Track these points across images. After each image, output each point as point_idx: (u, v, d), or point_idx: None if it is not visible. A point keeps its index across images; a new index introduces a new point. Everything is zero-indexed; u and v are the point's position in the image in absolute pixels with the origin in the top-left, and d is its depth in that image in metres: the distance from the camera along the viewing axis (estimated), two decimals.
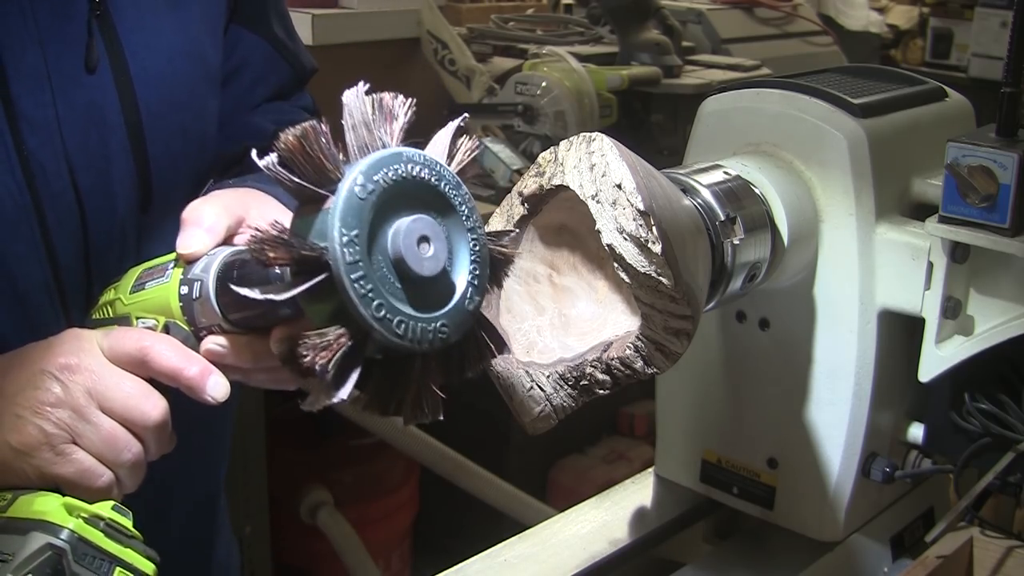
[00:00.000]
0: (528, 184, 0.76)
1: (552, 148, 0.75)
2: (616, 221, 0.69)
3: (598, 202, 0.70)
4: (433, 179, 0.61)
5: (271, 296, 0.59)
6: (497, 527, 1.95)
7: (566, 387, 0.74)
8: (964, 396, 0.93)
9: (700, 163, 0.90)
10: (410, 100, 0.63)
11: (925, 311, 0.90)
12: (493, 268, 0.65)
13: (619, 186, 0.69)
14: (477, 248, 0.63)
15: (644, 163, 0.73)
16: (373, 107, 0.61)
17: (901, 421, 1.00)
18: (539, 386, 0.75)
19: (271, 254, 0.57)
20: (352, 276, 0.57)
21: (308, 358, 0.57)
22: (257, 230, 0.58)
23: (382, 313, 0.58)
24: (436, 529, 2.42)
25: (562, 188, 0.74)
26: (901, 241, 0.91)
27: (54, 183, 0.82)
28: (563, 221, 0.79)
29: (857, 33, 3.58)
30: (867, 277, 0.92)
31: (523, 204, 0.77)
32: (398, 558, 2.38)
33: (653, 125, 2.38)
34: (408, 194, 0.60)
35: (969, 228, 0.86)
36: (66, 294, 0.85)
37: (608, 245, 0.70)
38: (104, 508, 0.73)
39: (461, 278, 0.63)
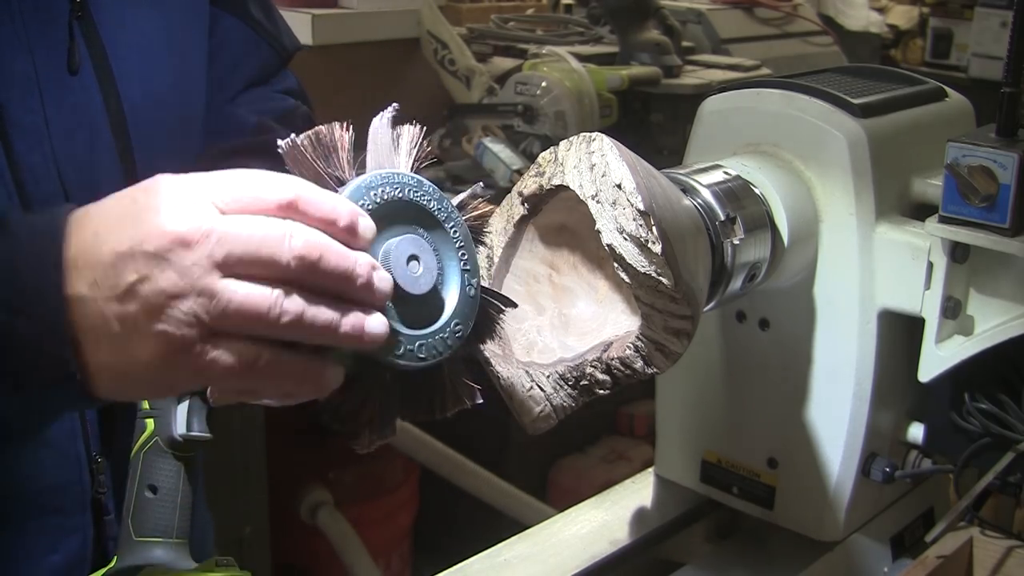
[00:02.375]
0: (528, 184, 0.76)
1: (552, 148, 0.75)
2: (616, 221, 0.69)
3: (598, 202, 0.70)
4: (397, 192, 0.61)
5: None
6: (497, 527, 1.95)
7: (566, 387, 0.74)
8: (964, 396, 0.93)
9: (700, 163, 0.89)
10: (346, 123, 0.61)
11: (925, 311, 0.90)
12: (474, 234, 0.66)
13: (619, 186, 0.69)
14: (457, 232, 0.64)
15: (644, 163, 0.73)
16: (313, 145, 0.60)
17: (901, 421, 1.00)
18: (539, 386, 0.75)
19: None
20: None
21: (351, 424, 0.60)
22: None
23: (400, 350, 0.59)
24: (436, 529, 2.42)
25: (562, 188, 0.74)
26: (901, 241, 0.91)
27: (43, 186, 0.81)
28: (563, 221, 0.79)
29: (857, 33, 3.58)
30: (867, 277, 0.92)
31: (523, 204, 0.77)
32: (398, 558, 2.38)
33: (653, 125, 2.38)
34: (380, 218, 0.60)
35: (969, 228, 0.86)
36: None
37: (608, 245, 0.70)
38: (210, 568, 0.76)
39: (454, 269, 0.63)
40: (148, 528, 0.76)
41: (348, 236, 0.58)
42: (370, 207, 0.60)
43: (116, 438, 0.88)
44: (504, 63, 2.47)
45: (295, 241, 0.57)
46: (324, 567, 2.22)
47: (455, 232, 0.64)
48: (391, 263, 0.59)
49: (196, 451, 0.78)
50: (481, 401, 0.66)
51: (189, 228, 0.56)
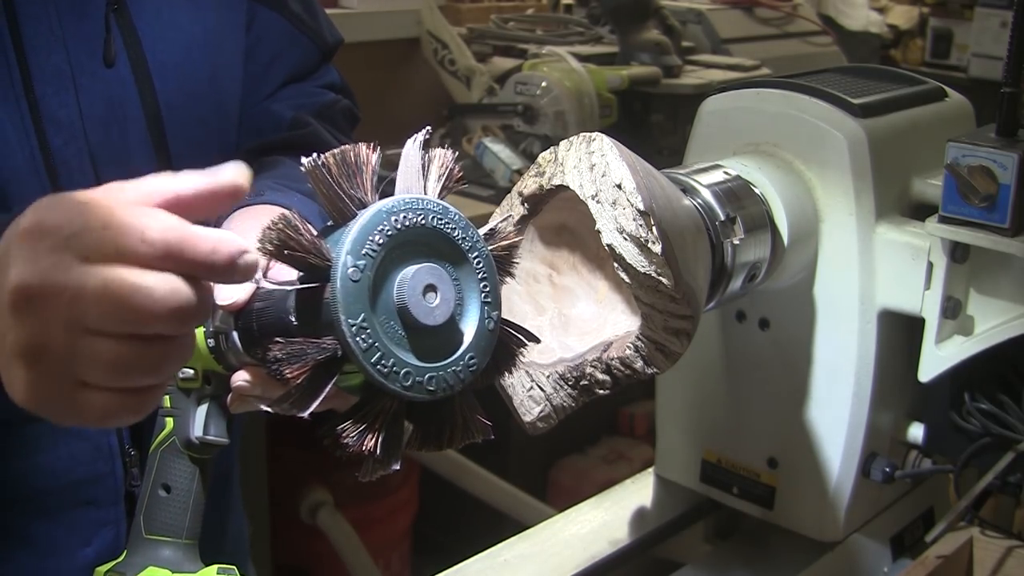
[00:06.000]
0: (528, 184, 0.76)
1: (552, 148, 0.75)
2: (616, 221, 0.69)
3: (598, 202, 0.70)
4: (420, 219, 0.59)
5: (303, 411, 0.59)
6: (497, 527, 1.95)
7: (566, 387, 0.74)
8: (964, 396, 0.93)
9: (700, 163, 0.89)
10: (373, 144, 0.61)
11: (925, 311, 0.90)
12: (500, 265, 0.64)
13: (619, 186, 0.69)
14: (481, 263, 0.62)
15: (644, 163, 0.73)
16: (337, 164, 0.59)
17: (901, 421, 1.00)
18: (539, 386, 0.75)
19: (289, 373, 0.57)
20: (371, 360, 0.57)
21: (355, 446, 0.58)
22: (269, 347, 0.58)
23: (409, 381, 0.58)
24: (436, 529, 2.42)
25: (562, 188, 0.74)
26: (901, 241, 0.91)
27: (78, 180, 0.82)
28: (563, 221, 0.79)
29: (857, 33, 3.58)
30: (867, 277, 0.92)
31: (523, 204, 0.77)
32: (398, 558, 2.38)
33: (653, 125, 2.38)
34: (400, 244, 0.59)
35: (969, 228, 0.86)
36: None
37: (608, 245, 0.70)
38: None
39: (474, 301, 0.62)
40: (158, 527, 0.76)
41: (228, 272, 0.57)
42: (390, 232, 0.58)
43: (147, 431, 0.88)
44: (504, 63, 2.47)
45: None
46: (324, 567, 2.22)
47: (478, 263, 0.62)
48: (405, 292, 0.57)
49: (211, 454, 0.78)
50: (493, 437, 0.65)
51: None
